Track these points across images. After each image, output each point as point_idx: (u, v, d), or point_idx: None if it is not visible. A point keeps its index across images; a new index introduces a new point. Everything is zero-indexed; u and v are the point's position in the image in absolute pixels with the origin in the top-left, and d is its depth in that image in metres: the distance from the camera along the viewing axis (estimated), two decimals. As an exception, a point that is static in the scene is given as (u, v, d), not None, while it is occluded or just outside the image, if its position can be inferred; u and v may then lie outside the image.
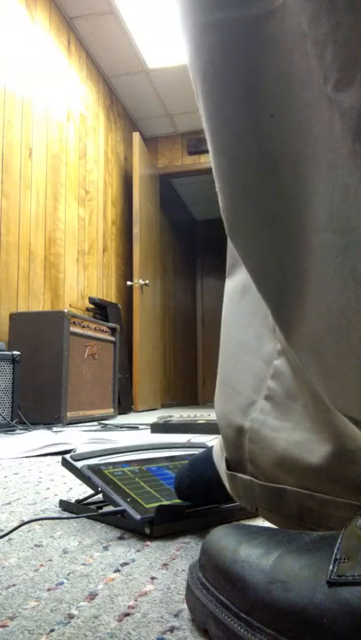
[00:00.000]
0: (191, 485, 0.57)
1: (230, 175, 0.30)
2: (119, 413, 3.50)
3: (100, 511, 0.62)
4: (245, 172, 0.29)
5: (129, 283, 4.28)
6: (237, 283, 0.46)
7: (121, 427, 2.32)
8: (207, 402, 6.84)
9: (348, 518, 0.33)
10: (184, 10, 0.30)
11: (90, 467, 0.67)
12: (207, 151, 0.33)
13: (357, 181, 0.23)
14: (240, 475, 0.43)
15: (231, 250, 0.46)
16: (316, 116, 0.24)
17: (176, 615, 0.38)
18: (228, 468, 0.45)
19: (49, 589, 0.43)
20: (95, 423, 2.66)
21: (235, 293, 0.47)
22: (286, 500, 0.39)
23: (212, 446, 0.53)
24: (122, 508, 0.58)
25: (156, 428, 2.02)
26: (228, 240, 0.38)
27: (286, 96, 0.26)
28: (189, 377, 6.68)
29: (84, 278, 3.64)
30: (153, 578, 0.46)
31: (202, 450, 0.59)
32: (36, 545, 0.56)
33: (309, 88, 0.24)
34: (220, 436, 0.48)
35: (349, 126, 0.23)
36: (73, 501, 0.70)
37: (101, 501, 0.66)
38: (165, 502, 0.60)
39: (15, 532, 0.60)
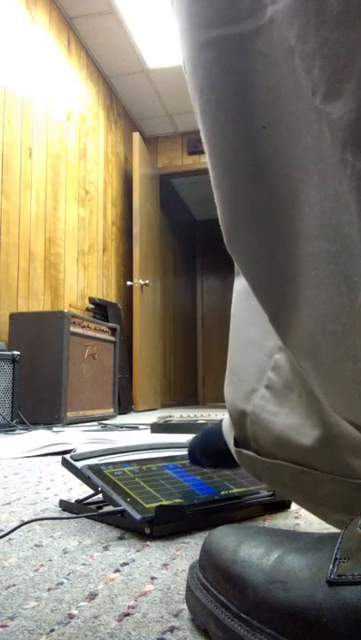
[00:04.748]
0: (202, 451, 0.64)
1: (227, 187, 0.31)
2: (119, 413, 3.50)
3: (100, 511, 0.62)
4: (241, 184, 0.30)
5: (129, 283, 4.28)
6: (246, 282, 0.50)
7: (121, 427, 2.32)
8: (207, 402, 6.84)
9: (332, 489, 0.42)
10: (182, 29, 0.31)
11: (90, 467, 0.67)
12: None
13: (347, 189, 0.24)
14: (245, 451, 0.50)
15: None
16: (306, 128, 0.25)
17: (176, 615, 0.38)
18: (236, 444, 0.51)
19: (49, 589, 0.43)
20: (95, 423, 2.66)
21: (243, 292, 0.52)
22: (282, 472, 0.46)
23: (222, 420, 0.60)
24: (122, 507, 0.58)
25: (156, 428, 2.02)
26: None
27: (276, 109, 0.26)
28: (189, 377, 6.68)
29: (84, 278, 3.64)
30: (153, 578, 0.46)
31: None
32: (36, 545, 0.56)
33: (298, 100, 0.25)
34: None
35: (338, 136, 0.23)
36: (73, 501, 0.70)
37: (101, 501, 0.66)
38: (165, 502, 0.60)
39: (15, 532, 0.60)
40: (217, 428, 0.62)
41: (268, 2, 0.25)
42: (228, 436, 0.54)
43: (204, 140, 0.32)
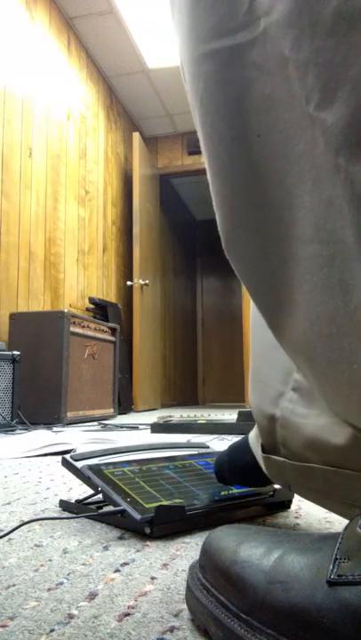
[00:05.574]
0: (230, 470, 0.63)
1: (225, 193, 0.32)
2: (119, 413, 3.50)
3: (100, 511, 0.62)
4: (238, 190, 0.31)
5: (129, 283, 4.28)
6: None
7: (121, 427, 2.32)
8: (207, 402, 6.84)
9: None
10: (182, 42, 0.32)
11: (90, 467, 0.67)
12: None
13: (341, 194, 0.24)
14: (274, 457, 0.49)
15: None
16: (300, 134, 0.26)
17: (176, 615, 0.38)
18: (264, 451, 0.51)
19: (49, 589, 0.43)
20: (95, 423, 2.66)
21: None
22: (314, 476, 0.45)
23: (248, 434, 0.59)
24: (122, 507, 0.58)
25: (156, 428, 2.02)
26: None
27: (270, 117, 0.27)
28: (189, 377, 6.68)
29: (84, 278, 3.64)
30: (153, 578, 0.46)
31: (240, 438, 0.64)
32: (36, 545, 0.56)
33: (292, 108, 0.26)
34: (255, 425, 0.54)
35: (332, 142, 0.24)
36: (73, 501, 0.70)
37: (101, 501, 0.66)
38: (165, 502, 0.60)
39: (15, 532, 0.60)
40: (243, 442, 0.61)
41: (262, 13, 0.26)
42: (255, 445, 0.54)
43: (202, 147, 0.33)
